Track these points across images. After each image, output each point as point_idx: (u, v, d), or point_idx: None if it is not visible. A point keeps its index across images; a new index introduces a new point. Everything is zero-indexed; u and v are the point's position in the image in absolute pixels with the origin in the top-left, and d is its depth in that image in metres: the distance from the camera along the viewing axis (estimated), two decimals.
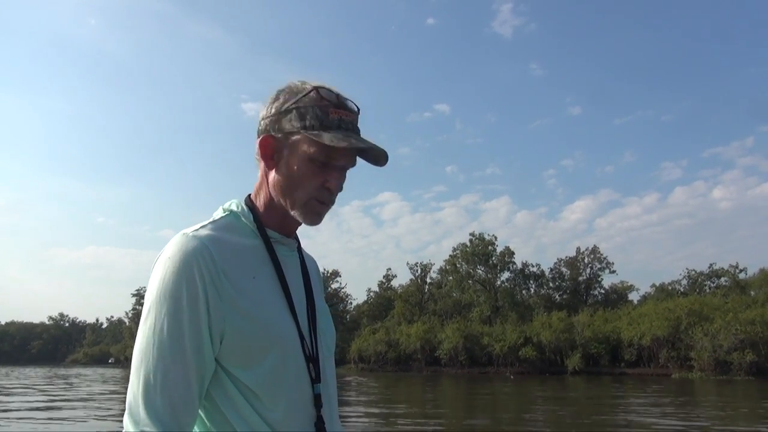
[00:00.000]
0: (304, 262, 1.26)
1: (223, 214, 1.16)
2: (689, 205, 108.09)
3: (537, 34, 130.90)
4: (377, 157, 1.14)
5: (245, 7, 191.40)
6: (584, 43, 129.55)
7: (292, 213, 1.14)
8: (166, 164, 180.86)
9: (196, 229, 1.08)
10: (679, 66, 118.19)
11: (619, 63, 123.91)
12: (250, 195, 1.20)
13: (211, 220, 1.14)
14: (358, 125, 1.15)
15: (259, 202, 1.18)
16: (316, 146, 1.08)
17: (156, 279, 1.03)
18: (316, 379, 1.13)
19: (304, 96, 1.10)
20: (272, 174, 1.14)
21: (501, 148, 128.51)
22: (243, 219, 1.15)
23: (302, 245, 1.28)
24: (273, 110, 1.13)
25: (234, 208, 1.17)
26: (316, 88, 1.11)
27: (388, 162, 1.15)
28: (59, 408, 18.23)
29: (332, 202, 1.15)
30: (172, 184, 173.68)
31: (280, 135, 1.12)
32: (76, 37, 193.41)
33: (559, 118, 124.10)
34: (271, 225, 1.17)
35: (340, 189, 1.16)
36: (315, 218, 1.14)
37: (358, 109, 1.15)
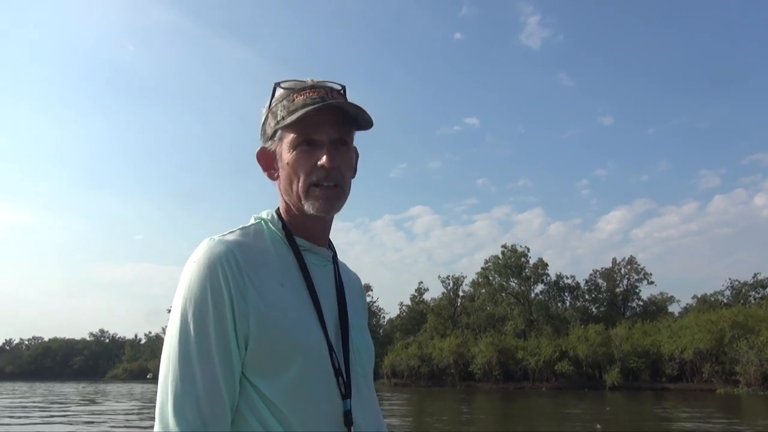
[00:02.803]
0: (340, 275, 1.21)
1: (254, 222, 1.16)
2: (730, 213, 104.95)
3: (565, 45, 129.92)
4: (357, 113, 1.09)
5: (273, 25, 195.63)
6: (613, 52, 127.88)
7: (305, 209, 1.11)
8: (202, 180, 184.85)
9: (224, 235, 1.08)
10: (711, 72, 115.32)
11: (649, 71, 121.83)
12: (278, 207, 1.20)
13: (240, 227, 1.13)
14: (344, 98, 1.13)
15: (283, 214, 1.17)
16: (292, 131, 1.09)
17: (182, 283, 1.02)
18: (345, 394, 1.06)
19: (272, 97, 1.14)
20: (278, 183, 1.16)
21: (532, 160, 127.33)
22: (272, 226, 1.14)
23: (338, 266, 1.24)
24: (260, 127, 1.18)
25: (265, 216, 1.17)
26: (277, 84, 1.13)
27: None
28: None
29: (337, 183, 1.10)
30: (209, 201, 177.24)
31: (268, 143, 1.16)
32: (115, 61, 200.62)
33: (590, 128, 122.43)
34: (299, 233, 1.15)
35: (347, 168, 1.13)
36: (322, 204, 1.09)
37: (343, 87, 1.15)
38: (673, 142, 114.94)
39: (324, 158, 1.07)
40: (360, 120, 1.11)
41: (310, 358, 1.02)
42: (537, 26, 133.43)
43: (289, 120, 1.07)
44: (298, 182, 1.10)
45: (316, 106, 1.06)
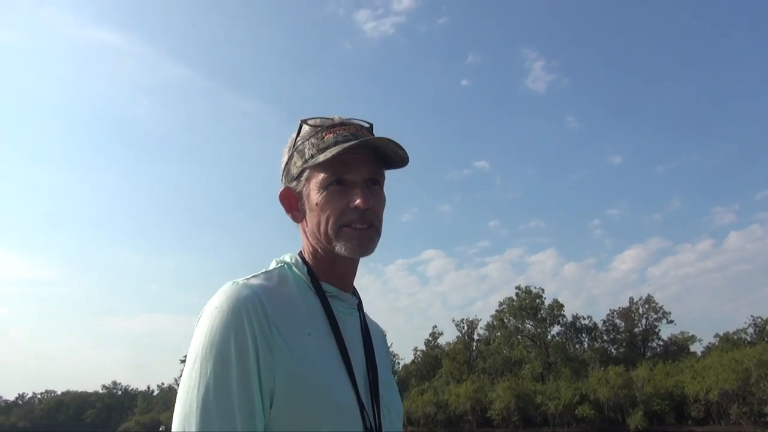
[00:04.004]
0: (366, 324, 1.14)
1: (277, 266, 1.09)
2: (747, 249, 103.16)
3: (571, 88, 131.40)
4: (392, 152, 1.04)
5: (279, 79, 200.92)
6: (619, 93, 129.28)
7: (336, 251, 1.04)
8: (215, 231, 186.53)
9: (248, 278, 1.00)
10: (719, 110, 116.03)
11: (656, 110, 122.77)
12: (300, 251, 1.14)
13: (263, 270, 1.06)
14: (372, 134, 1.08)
15: (308, 258, 1.10)
16: (323, 170, 1.03)
17: (201, 331, 0.92)
18: None
19: (297, 135, 1.08)
20: (304, 225, 1.10)
21: (543, 201, 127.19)
22: (297, 271, 1.07)
23: (363, 315, 1.17)
24: (282, 166, 1.13)
25: (288, 259, 1.11)
26: (303, 121, 1.08)
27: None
28: None
29: (371, 224, 1.04)
30: (221, 251, 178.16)
31: (293, 183, 1.09)
32: (130, 116, 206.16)
33: (600, 168, 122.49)
34: (325, 278, 1.08)
35: (380, 208, 1.07)
36: (356, 245, 1.02)
37: (371, 125, 1.10)
38: (684, 179, 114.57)
39: (358, 200, 1.00)
40: (394, 158, 1.06)
41: (342, 417, 0.93)
42: (542, 71, 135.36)
43: (321, 158, 1.00)
44: (329, 224, 1.03)
45: (353, 143, 0.99)
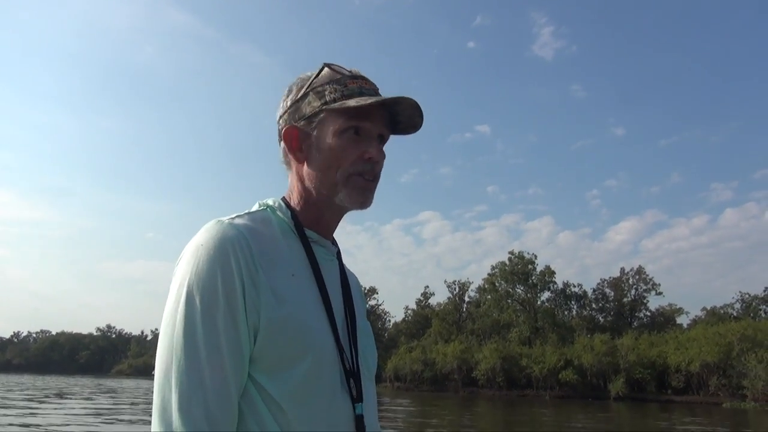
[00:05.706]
0: (344, 272, 1.13)
1: (260, 209, 1.06)
2: (741, 227, 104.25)
3: (578, 56, 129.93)
4: (410, 117, 1.06)
5: (284, 32, 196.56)
6: (627, 63, 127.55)
7: (336, 199, 1.03)
8: (214, 182, 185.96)
9: (232, 218, 0.99)
10: (726, 88, 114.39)
11: (663, 84, 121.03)
12: (284, 196, 1.10)
13: (247, 211, 1.04)
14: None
15: (294, 202, 1.08)
16: (343, 116, 1.02)
17: (185, 268, 0.91)
18: (357, 397, 0.98)
19: (317, 77, 1.05)
20: (303, 167, 1.06)
21: (543, 169, 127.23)
22: (280, 214, 1.05)
23: (342, 263, 1.16)
24: (289, 103, 1.07)
25: (270, 203, 1.08)
26: (327, 65, 1.06)
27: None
28: None
29: (376, 178, 1.05)
30: (220, 201, 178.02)
31: (302, 122, 1.05)
32: (133, 62, 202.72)
33: (602, 138, 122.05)
34: (308, 224, 1.06)
35: (381, 165, 1.07)
36: (362, 196, 1.03)
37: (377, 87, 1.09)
38: (685, 154, 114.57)
39: (374, 150, 1.02)
40: (405, 124, 1.07)
41: (321, 356, 0.94)
42: (550, 37, 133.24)
43: (352, 103, 0.99)
44: (339, 171, 1.02)
45: (394, 97, 1.00)
